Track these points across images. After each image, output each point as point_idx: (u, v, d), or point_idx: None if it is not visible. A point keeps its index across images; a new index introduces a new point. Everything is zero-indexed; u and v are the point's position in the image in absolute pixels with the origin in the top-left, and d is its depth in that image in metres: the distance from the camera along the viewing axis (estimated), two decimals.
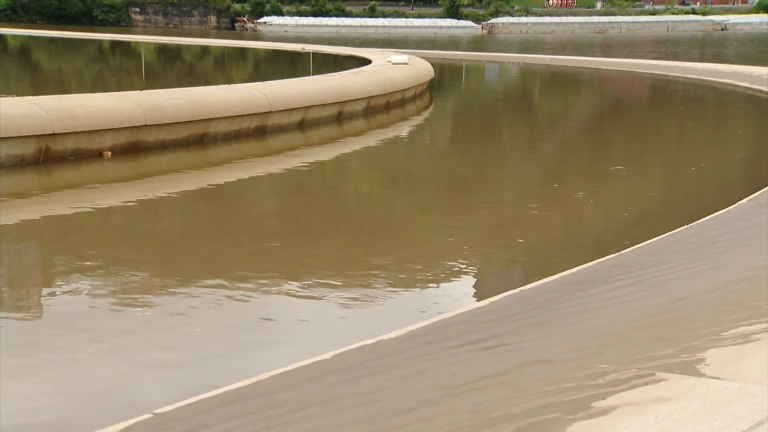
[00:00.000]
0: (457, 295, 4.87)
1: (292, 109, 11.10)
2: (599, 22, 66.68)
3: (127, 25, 60.72)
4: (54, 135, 7.86)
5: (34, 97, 8.71)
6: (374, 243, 6.09)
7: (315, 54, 25.16)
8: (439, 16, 67.09)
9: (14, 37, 32.72)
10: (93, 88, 12.50)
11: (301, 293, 4.73)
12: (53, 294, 4.75)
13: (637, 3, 73.29)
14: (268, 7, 66.57)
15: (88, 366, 3.67)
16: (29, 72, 21.48)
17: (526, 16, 69.07)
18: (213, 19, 67.16)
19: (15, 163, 7.56)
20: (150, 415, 2.51)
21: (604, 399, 2.42)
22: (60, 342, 3.92)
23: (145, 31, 47.17)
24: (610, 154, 11.11)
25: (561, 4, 73.25)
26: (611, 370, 2.68)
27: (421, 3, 69.62)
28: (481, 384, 2.73)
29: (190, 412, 2.54)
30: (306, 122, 11.36)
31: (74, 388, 3.47)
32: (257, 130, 10.47)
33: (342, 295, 4.68)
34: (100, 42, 32.07)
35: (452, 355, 3.03)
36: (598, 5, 73.46)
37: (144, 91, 9.90)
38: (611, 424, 2.23)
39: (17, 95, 9.37)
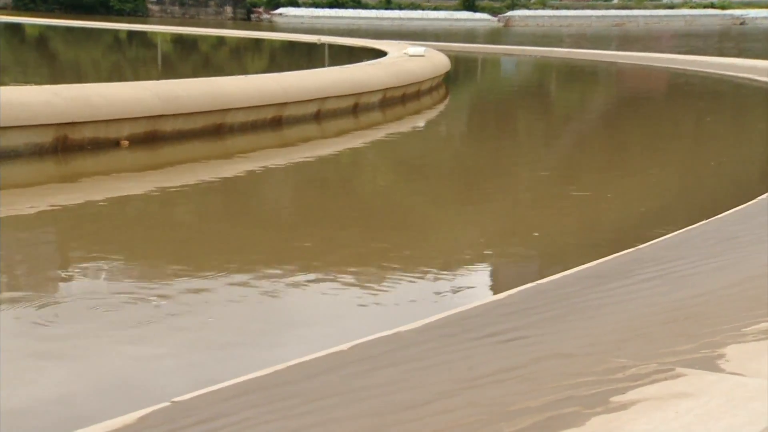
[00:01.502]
0: (474, 288, 4.86)
1: (308, 101, 11.09)
2: (616, 16, 66.31)
3: (143, 16, 60.83)
4: (72, 124, 7.89)
5: (53, 86, 8.74)
6: (390, 234, 6.09)
7: (331, 45, 25.15)
8: (456, 9, 66.88)
9: (33, 26, 32.85)
10: (110, 78, 12.54)
11: (316, 285, 4.74)
12: (71, 282, 4.77)
13: None
14: None
15: (107, 354, 3.68)
16: (47, 61, 21.57)
17: (542, 9, 68.79)
18: (229, 9, 67.18)
19: (34, 151, 7.59)
20: (168, 404, 2.52)
21: (623, 394, 2.41)
22: (78, 330, 3.94)
23: (162, 22, 47.25)
24: (626, 147, 11.07)
25: None
26: (630, 364, 2.66)
27: None
28: (499, 377, 2.73)
29: (209, 401, 2.55)
30: (322, 113, 11.35)
31: (94, 376, 3.48)
32: (273, 121, 10.46)
33: (357, 287, 4.69)
34: (117, 32, 32.15)
35: (470, 348, 3.02)
36: None
37: (161, 81, 9.92)
38: (631, 419, 2.22)
39: (36, 84, 9.42)
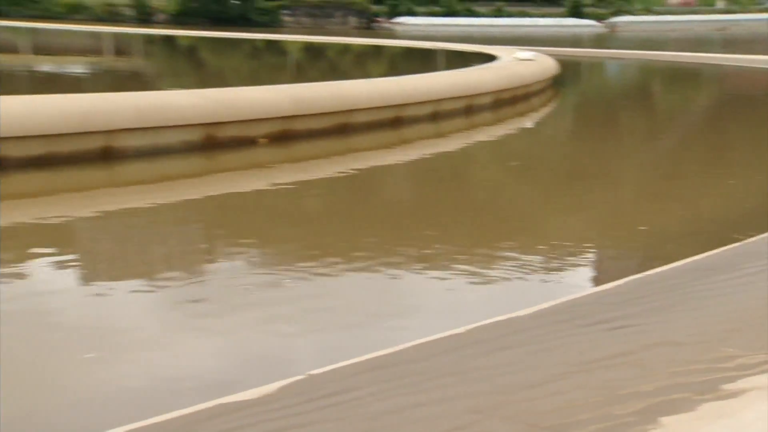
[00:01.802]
0: (582, 278, 4.75)
1: (425, 102, 11.07)
2: (720, 20, 63.58)
3: (278, 26, 62.01)
4: (218, 124, 8.12)
5: (201, 90, 9.00)
6: (501, 227, 6.02)
7: (445, 51, 25.03)
8: (562, 16, 65.55)
9: (183, 37, 33.98)
10: (250, 82, 12.85)
11: (435, 272, 4.72)
12: (219, 264, 4.90)
13: (760, 0, 69.53)
14: (403, 8, 66.66)
15: (248, 330, 3.76)
16: (196, 67, 22.27)
17: (647, 15, 66.65)
18: (353, 19, 67.78)
19: (184, 148, 7.85)
20: (304, 376, 2.55)
21: (733, 382, 2.31)
22: (219, 309, 4.04)
23: (294, 31, 48.06)
24: (733, 148, 10.61)
25: (682, 2, 70.32)
26: (739, 354, 2.54)
27: (545, 3, 68.18)
28: (609, 362, 2.65)
29: (340, 375, 2.57)
30: (438, 114, 11.31)
31: (236, 351, 3.56)
32: (393, 121, 10.49)
33: (472, 275, 4.65)
34: (254, 41, 32.89)
35: (581, 334, 2.95)
36: (720, 3, 70.09)
37: (294, 85, 10.08)
38: (742, 407, 2.12)
39: (185, 88, 9.72)
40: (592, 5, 68.11)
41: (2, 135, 6.64)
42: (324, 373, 2.61)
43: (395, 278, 4.60)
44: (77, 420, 2.88)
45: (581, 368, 2.59)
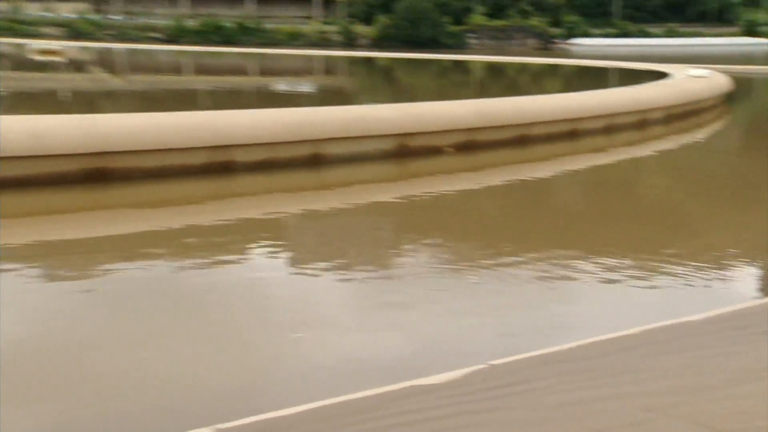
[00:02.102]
0: (754, 288, 4.36)
1: (599, 116, 10.65)
2: None
3: (464, 48, 62.04)
4: (409, 134, 8.20)
5: (395, 104, 9.12)
6: (671, 234, 5.65)
7: (619, 69, 24.00)
8: (736, 35, 61.08)
9: (381, 58, 34.79)
10: (438, 97, 12.93)
11: (604, 275, 4.50)
12: (404, 257, 4.93)
13: None
14: (579, 30, 64.74)
15: (434, 319, 3.74)
16: (391, 84, 22.70)
17: None
18: (532, 41, 66.60)
19: (379, 156, 7.98)
20: (485, 366, 2.49)
21: None
22: (409, 299, 4.05)
23: (478, 52, 47.87)
24: None
25: None
26: None
27: (718, 23, 63.86)
28: None
29: (520, 366, 2.49)
30: (611, 128, 10.84)
31: (421, 337, 3.55)
32: (569, 134, 10.16)
33: (643, 279, 4.39)
34: (442, 61, 33.09)
35: (758, 341, 2.69)
36: None
37: (477, 100, 10.00)
38: None
39: (381, 102, 9.90)
40: (766, 24, 62.97)
41: (234, 143, 7.04)
42: (504, 363, 2.54)
43: (569, 279, 4.42)
44: (286, 391, 2.97)
45: (759, 375, 2.36)
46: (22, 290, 4.03)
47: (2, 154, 5.94)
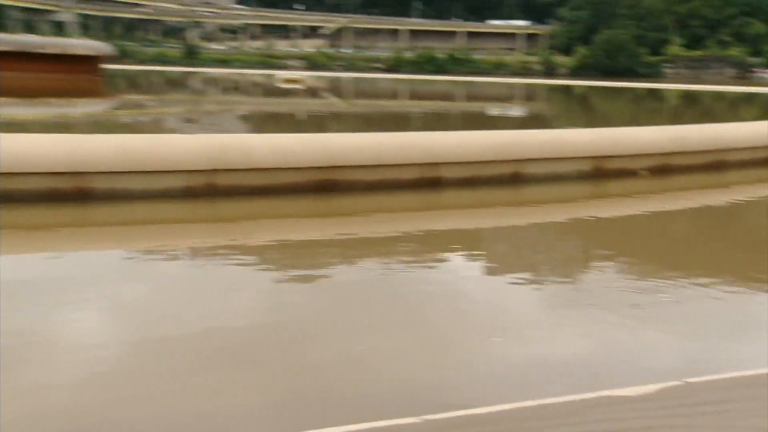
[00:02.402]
0: None
1: None
2: None
3: (660, 77, 58.42)
4: (605, 157, 7.86)
5: (591, 128, 8.76)
6: None
7: None
8: None
9: (579, 86, 33.69)
10: (633, 122, 12.26)
11: None
12: (591, 272, 4.70)
13: None
14: None
15: (621, 332, 3.53)
16: (588, 110, 21.88)
17: None
18: (729, 70, 61.24)
19: (576, 176, 7.72)
20: (681, 383, 2.30)
21: None
22: (597, 311, 3.85)
23: (673, 81, 44.86)
24: None
25: None
26: None
27: None
28: None
29: (717, 386, 2.26)
30: None
31: (610, 348, 3.36)
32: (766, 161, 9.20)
33: None
34: (638, 89, 31.36)
35: None
36: None
37: (671, 126, 9.35)
38: None
39: (578, 127, 9.55)
40: None
41: (442, 161, 7.12)
42: (699, 382, 2.32)
43: (748, 302, 3.98)
44: (485, 390, 2.93)
45: None
46: (256, 278, 4.33)
47: (252, 167, 6.45)
